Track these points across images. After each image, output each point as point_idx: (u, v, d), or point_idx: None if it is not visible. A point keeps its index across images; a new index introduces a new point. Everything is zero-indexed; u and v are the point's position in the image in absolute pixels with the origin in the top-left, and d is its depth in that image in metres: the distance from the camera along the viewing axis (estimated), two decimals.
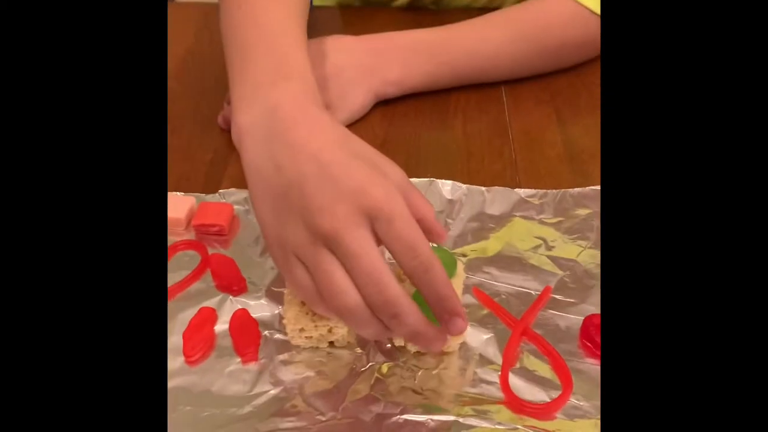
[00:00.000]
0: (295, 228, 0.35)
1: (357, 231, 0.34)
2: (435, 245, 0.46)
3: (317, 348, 0.41)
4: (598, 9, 0.60)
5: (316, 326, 0.40)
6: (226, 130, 0.59)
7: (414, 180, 0.51)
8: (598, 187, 0.51)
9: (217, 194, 0.51)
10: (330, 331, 0.40)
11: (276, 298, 0.44)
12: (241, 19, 0.46)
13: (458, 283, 0.42)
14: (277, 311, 0.43)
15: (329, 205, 0.34)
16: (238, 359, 0.41)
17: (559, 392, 0.39)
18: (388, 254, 0.36)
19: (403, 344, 0.41)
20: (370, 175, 0.35)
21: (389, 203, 0.35)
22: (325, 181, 0.35)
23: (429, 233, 0.37)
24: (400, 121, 0.59)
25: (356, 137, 0.39)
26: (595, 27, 0.61)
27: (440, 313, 0.36)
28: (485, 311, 0.43)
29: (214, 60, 0.65)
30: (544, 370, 0.40)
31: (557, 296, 0.44)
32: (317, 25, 0.70)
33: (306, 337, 0.40)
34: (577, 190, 0.51)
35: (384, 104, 0.60)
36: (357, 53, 0.58)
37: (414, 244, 0.35)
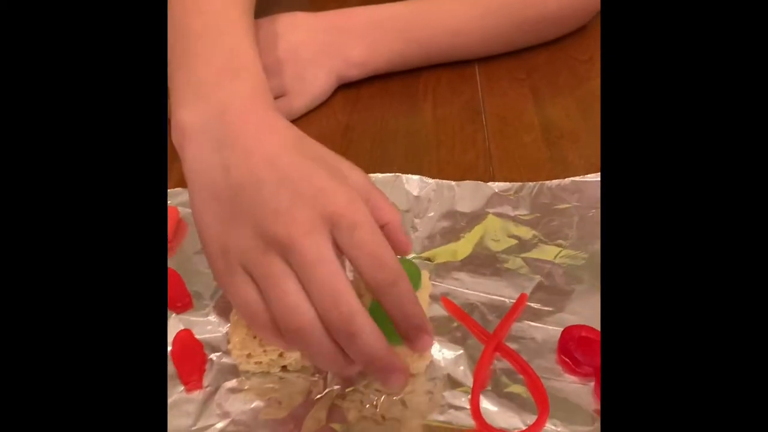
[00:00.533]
0: (243, 234, 0.32)
1: (315, 237, 0.30)
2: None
3: (268, 373, 0.37)
4: None
5: (265, 351, 0.36)
6: None
7: (378, 176, 0.47)
8: (578, 178, 0.47)
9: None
10: (281, 355, 0.36)
11: (225, 313, 0.40)
12: (183, 3, 0.40)
13: (424, 295, 0.38)
14: (225, 330, 0.39)
15: (286, 210, 0.31)
16: (181, 387, 0.37)
17: (535, 417, 0.35)
18: (349, 267, 0.32)
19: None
20: (331, 179, 0.32)
21: (351, 209, 0.31)
22: (282, 184, 0.31)
23: (393, 243, 0.33)
24: (365, 106, 0.55)
25: (312, 140, 0.35)
26: (573, 2, 0.56)
27: (405, 330, 0.32)
28: (455, 323, 0.40)
29: None
30: (519, 390, 0.37)
31: (533, 304, 0.40)
32: (273, 3, 0.64)
33: (255, 362, 0.36)
34: (555, 182, 0.47)
35: (347, 87, 0.56)
36: (315, 32, 0.52)
37: (379, 254, 0.31)
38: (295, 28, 0.52)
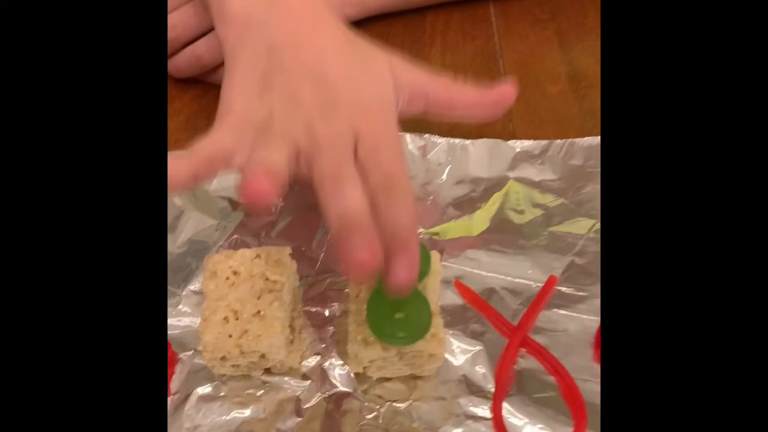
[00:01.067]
0: (286, 115, 0.31)
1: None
2: None
3: (249, 376, 0.31)
4: None
5: (243, 353, 0.29)
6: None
7: None
8: None
9: None
10: (263, 357, 0.30)
11: (200, 305, 0.34)
12: None
13: (434, 282, 0.31)
14: (198, 325, 0.33)
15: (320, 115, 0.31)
16: None
17: (570, 429, 0.29)
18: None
19: (361, 371, 0.31)
20: (367, 90, 0.33)
21: (377, 129, 0.31)
22: (321, 86, 0.32)
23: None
24: None
25: (361, 41, 0.35)
26: None
27: (390, 244, 0.27)
28: (471, 313, 0.33)
29: None
30: (550, 395, 0.30)
31: (564, 288, 0.34)
32: None
33: (232, 365, 0.30)
34: (587, 139, 0.40)
35: None
36: None
37: (390, 172, 0.29)
38: None
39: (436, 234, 0.36)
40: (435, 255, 0.32)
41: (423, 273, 0.31)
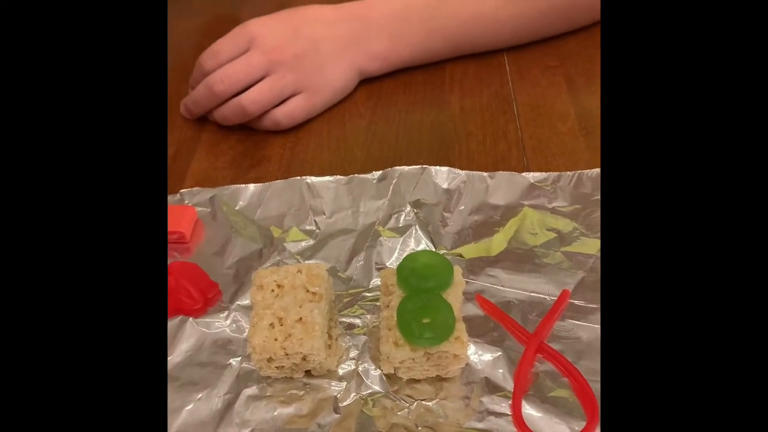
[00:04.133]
0: None
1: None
2: (427, 250, 0.39)
3: (292, 378, 0.35)
4: None
5: (287, 355, 0.33)
6: (190, 121, 0.52)
7: (404, 168, 0.44)
8: None
9: (177, 195, 0.44)
10: (305, 359, 0.33)
11: (246, 316, 0.38)
12: None
13: (457, 292, 0.35)
14: (246, 334, 0.37)
15: None
16: (199, 395, 0.34)
17: (584, 423, 0.32)
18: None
19: (393, 371, 0.34)
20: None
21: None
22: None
23: None
24: (388, 101, 0.52)
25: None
26: None
27: None
28: (492, 323, 0.37)
29: (173, 46, 0.58)
30: (564, 394, 0.33)
31: (577, 301, 0.37)
32: None
33: (276, 367, 0.34)
34: (595, 170, 0.44)
35: (369, 82, 0.53)
36: (336, 24, 0.50)
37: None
38: (314, 22, 0.50)
39: (460, 255, 0.40)
40: (458, 269, 0.36)
41: (446, 284, 0.34)
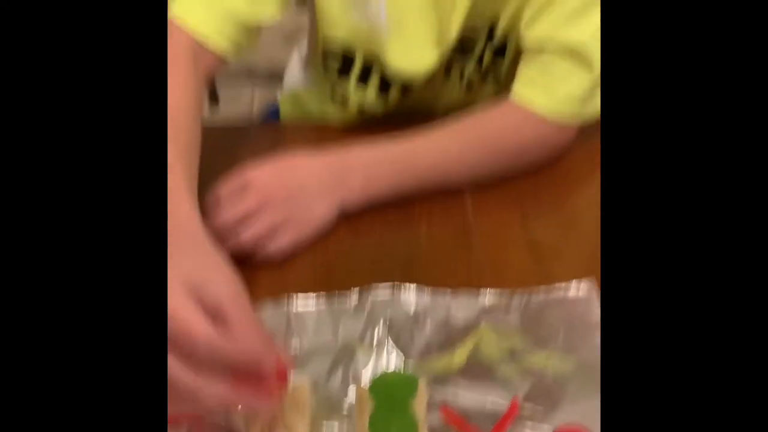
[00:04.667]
0: None
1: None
2: (395, 371, 0.45)
3: None
4: (554, 111, 0.62)
5: None
6: None
7: (377, 287, 0.51)
8: (563, 284, 0.51)
9: None
10: None
11: None
12: None
13: (421, 402, 0.41)
14: None
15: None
16: None
17: None
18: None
19: None
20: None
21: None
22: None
23: None
24: (365, 232, 0.60)
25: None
26: (550, 130, 0.63)
27: None
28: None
29: None
30: None
31: (527, 409, 0.43)
32: (285, 140, 0.72)
33: None
34: (542, 293, 0.51)
35: (348, 216, 0.61)
36: (318, 170, 0.59)
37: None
38: (302, 167, 0.58)
39: (428, 370, 0.46)
40: (422, 382, 0.42)
41: (410, 395, 0.40)
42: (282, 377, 0.39)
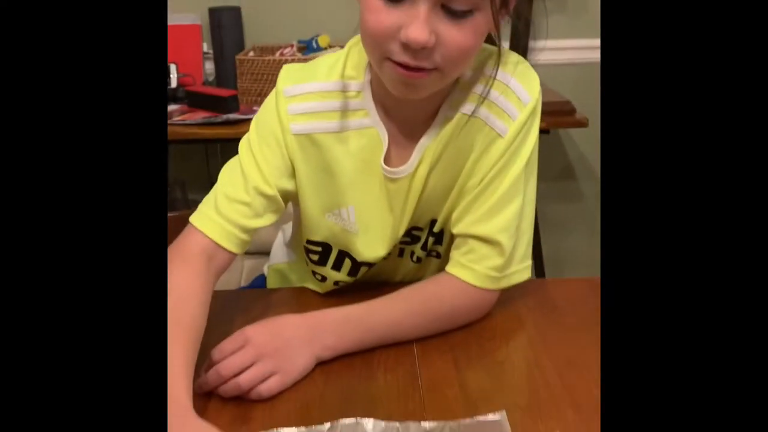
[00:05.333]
0: None
1: None
2: None
3: None
4: (478, 283, 0.82)
5: None
6: (201, 395, 0.76)
7: (344, 421, 0.68)
8: (482, 418, 0.69)
9: None
10: None
11: None
12: None
13: None
14: None
15: None
16: None
17: None
18: None
19: None
20: None
21: None
22: None
23: None
24: (336, 376, 0.77)
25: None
26: (475, 296, 0.83)
27: None
28: None
29: None
30: None
31: None
32: (272, 304, 0.91)
33: None
34: (467, 421, 0.68)
35: (322, 364, 0.79)
36: (299, 328, 0.77)
37: None
38: (287, 327, 0.77)
39: None
40: None
41: None
42: None
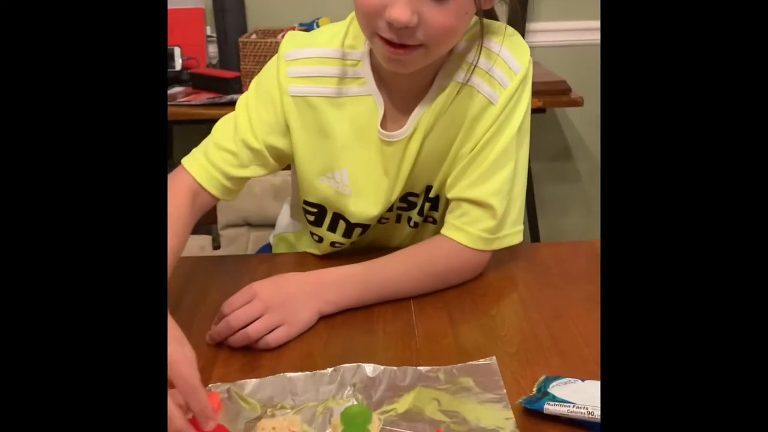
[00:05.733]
0: None
1: None
2: (357, 404, 0.67)
3: None
4: (471, 244, 0.87)
5: None
6: (212, 345, 0.81)
7: (345, 365, 0.73)
8: (474, 362, 0.74)
9: (208, 387, 0.72)
10: None
11: None
12: None
13: (375, 428, 0.62)
14: None
15: None
16: None
17: None
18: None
19: None
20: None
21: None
22: None
23: None
24: (338, 329, 0.83)
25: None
26: (468, 256, 0.88)
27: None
28: None
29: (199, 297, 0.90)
30: None
31: None
32: (277, 266, 0.96)
33: None
34: (459, 365, 0.74)
35: (326, 318, 0.84)
36: (304, 284, 0.83)
37: None
38: (290, 282, 0.82)
39: (383, 411, 0.67)
40: (375, 414, 0.63)
41: (368, 422, 0.62)
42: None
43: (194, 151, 0.88)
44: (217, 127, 0.89)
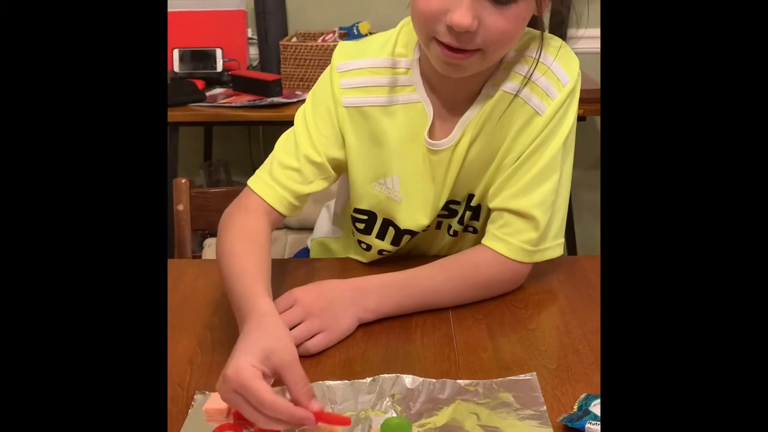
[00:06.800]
0: None
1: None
2: (395, 416, 0.67)
3: None
4: (512, 255, 0.87)
5: None
6: None
7: (384, 375, 0.73)
8: (513, 378, 0.73)
9: None
10: None
11: None
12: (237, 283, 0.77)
13: None
14: None
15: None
16: None
17: None
18: None
19: None
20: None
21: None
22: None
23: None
24: (376, 338, 0.83)
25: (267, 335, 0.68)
26: (509, 268, 0.87)
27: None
28: None
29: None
30: None
31: None
32: (316, 271, 0.97)
33: None
34: (499, 380, 0.73)
35: (364, 326, 0.84)
36: (344, 291, 0.83)
37: None
38: (332, 290, 0.82)
39: (421, 425, 0.67)
40: (414, 426, 0.63)
41: None
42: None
43: (258, 171, 0.90)
44: (279, 145, 0.90)
